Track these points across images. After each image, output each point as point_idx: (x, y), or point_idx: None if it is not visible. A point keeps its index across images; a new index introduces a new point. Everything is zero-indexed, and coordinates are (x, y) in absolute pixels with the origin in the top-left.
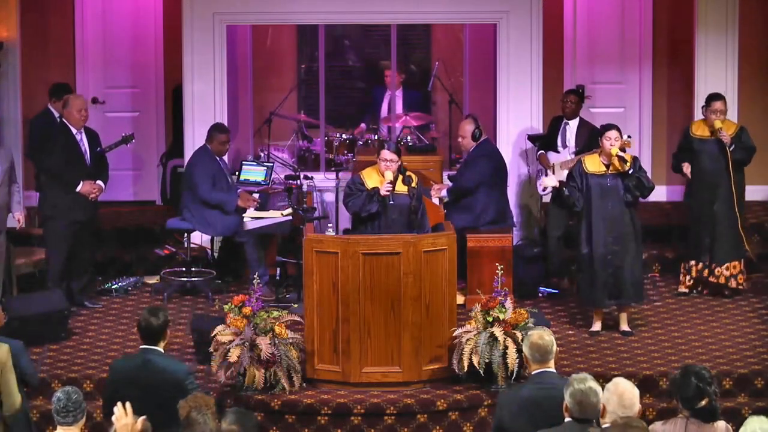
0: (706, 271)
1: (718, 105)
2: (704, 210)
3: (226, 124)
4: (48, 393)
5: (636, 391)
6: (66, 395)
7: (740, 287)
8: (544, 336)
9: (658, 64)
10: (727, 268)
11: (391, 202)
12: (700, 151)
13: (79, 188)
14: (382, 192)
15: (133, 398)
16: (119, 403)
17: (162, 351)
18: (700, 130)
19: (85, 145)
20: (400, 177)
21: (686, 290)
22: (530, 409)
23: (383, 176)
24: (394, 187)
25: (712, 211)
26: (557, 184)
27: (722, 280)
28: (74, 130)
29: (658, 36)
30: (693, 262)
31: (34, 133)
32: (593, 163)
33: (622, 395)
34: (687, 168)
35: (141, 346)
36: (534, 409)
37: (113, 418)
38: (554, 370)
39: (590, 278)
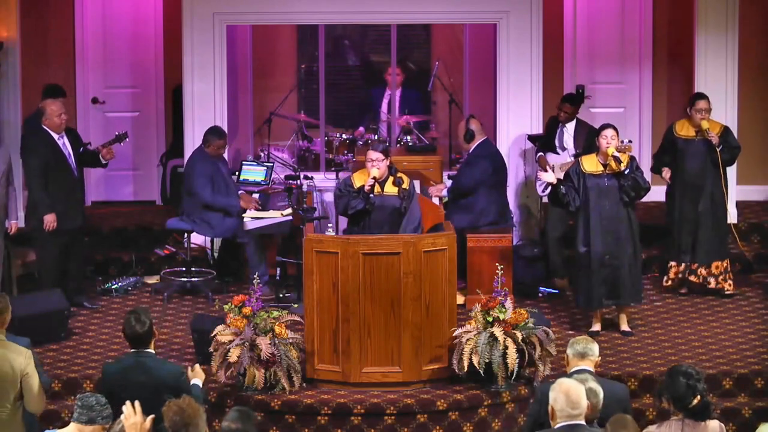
0: (689, 271)
1: (703, 104)
2: (687, 210)
3: (226, 124)
4: (48, 393)
5: (581, 388)
6: (85, 397)
7: (725, 288)
8: (590, 339)
9: (658, 64)
10: (712, 268)
11: (372, 195)
12: (684, 151)
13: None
14: (366, 188)
15: (127, 401)
16: (128, 402)
17: (153, 353)
18: (684, 130)
19: (68, 148)
20: (391, 178)
21: (685, 291)
22: None
23: (375, 178)
24: (383, 187)
25: (696, 212)
26: (554, 181)
27: (702, 281)
28: (56, 136)
29: (658, 36)
30: (674, 263)
31: (26, 137)
32: (591, 164)
33: (567, 393)
34: (667, 173)
35: (131, 350)
36: None
37: (122, 417)
38: (591, 368)
39: (588, 278)
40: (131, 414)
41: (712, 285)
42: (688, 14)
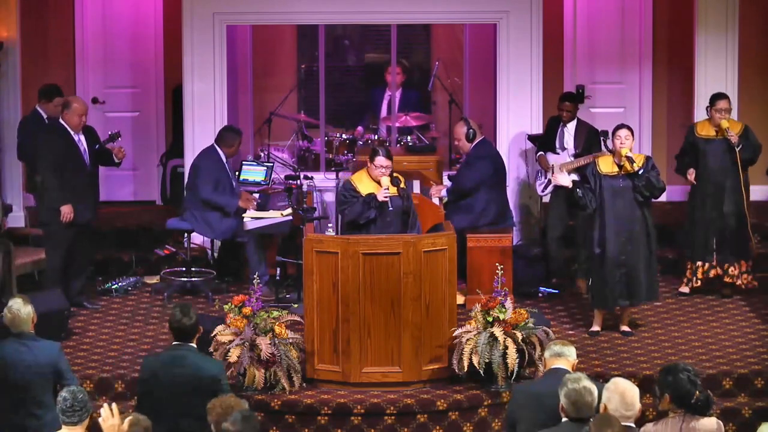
0: (714, 271)
1: (723, 104)
2: (712, 210)
3: (226, 124)
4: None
5: (636, 390)
6: (71, 395)
7: (749, 286)
8: (567, 342)
9: (658, 64)
10: (736, 268)
11: (391, 208)
12: (706, 152)
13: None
14: (380, 198)
15: (165, 395)
16: (105, 404)
17: (195, 347)
18: (705, 130)
19: (83, 145)
20: (388, 179)
21: (688, 291)
22: (542, 402)
23: (378, 182)
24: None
25: (721, 212)
26: (570, 184)
27: (736, 281)
28: (72, 132)
29: (658, 36)
30: (699, 263)
31: (25, 136)
32: (606, 164)
33: (623, 394)
34: (691, 174)
35: (173, 343)
36: (546, 403)
37: (99, 419)
38: (567, 368)
39: (602, 279)
40: (109, 416)
41: (739, 283)
42: (688, 14)
